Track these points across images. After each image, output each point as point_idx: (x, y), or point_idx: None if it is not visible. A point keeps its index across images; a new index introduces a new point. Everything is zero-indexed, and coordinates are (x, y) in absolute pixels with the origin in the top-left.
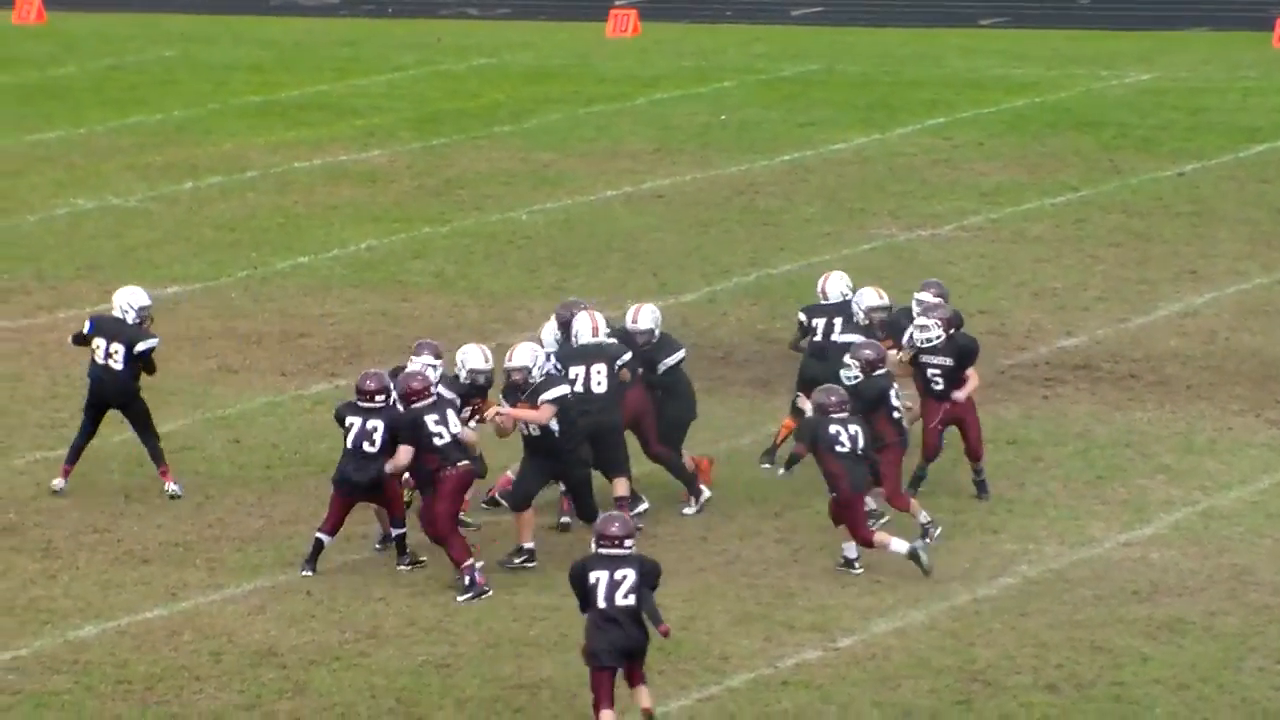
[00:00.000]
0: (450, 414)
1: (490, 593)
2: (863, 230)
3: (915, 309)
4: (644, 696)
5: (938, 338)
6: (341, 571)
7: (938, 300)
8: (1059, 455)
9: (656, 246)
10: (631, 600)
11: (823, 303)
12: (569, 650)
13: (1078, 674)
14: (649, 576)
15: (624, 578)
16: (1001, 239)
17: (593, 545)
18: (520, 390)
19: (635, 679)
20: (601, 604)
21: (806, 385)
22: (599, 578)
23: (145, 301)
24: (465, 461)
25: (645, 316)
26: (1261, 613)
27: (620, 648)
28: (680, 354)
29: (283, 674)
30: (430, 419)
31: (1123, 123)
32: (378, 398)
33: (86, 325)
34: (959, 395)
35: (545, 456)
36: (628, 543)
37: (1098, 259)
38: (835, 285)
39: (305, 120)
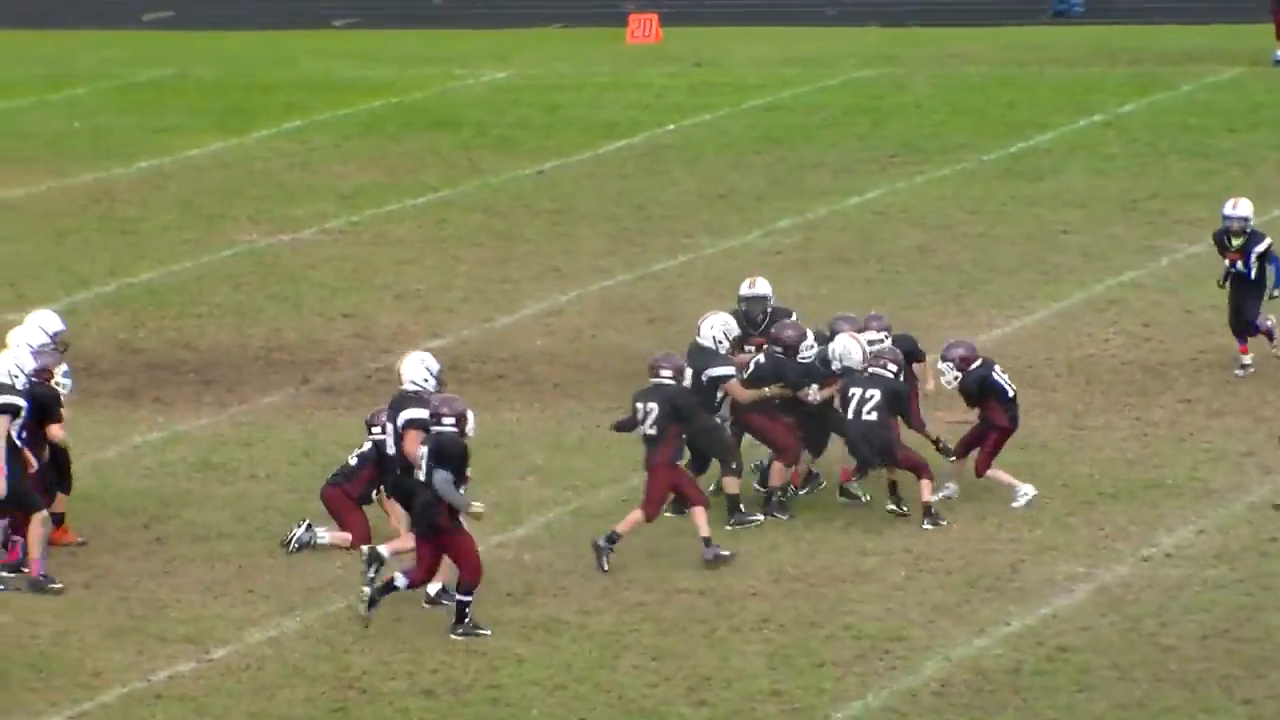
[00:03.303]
0: None
1: None
2: (223, 236)
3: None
4: (926, 490)
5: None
6: None
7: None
8: None
9: (12, 258)
10: (874, 416)
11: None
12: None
13: (454, 678)
14: (894, 396)
15: (871, 396)
16: (363, 241)
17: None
18: None
19: (921, 473)
20: (850, 415)
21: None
22: (855, 392)
23: None
24: None
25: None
26: (634, 610)
27: (873, 446)
28: None
29: None
30: None
31: (480, 121)
32: None
33: None
34: None
35: None
36: (891, 367)
37: (461, 259)
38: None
39: None
